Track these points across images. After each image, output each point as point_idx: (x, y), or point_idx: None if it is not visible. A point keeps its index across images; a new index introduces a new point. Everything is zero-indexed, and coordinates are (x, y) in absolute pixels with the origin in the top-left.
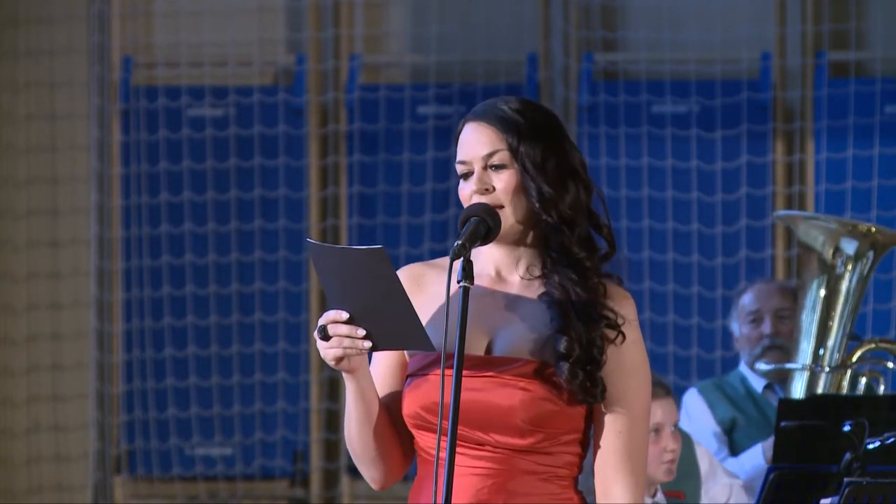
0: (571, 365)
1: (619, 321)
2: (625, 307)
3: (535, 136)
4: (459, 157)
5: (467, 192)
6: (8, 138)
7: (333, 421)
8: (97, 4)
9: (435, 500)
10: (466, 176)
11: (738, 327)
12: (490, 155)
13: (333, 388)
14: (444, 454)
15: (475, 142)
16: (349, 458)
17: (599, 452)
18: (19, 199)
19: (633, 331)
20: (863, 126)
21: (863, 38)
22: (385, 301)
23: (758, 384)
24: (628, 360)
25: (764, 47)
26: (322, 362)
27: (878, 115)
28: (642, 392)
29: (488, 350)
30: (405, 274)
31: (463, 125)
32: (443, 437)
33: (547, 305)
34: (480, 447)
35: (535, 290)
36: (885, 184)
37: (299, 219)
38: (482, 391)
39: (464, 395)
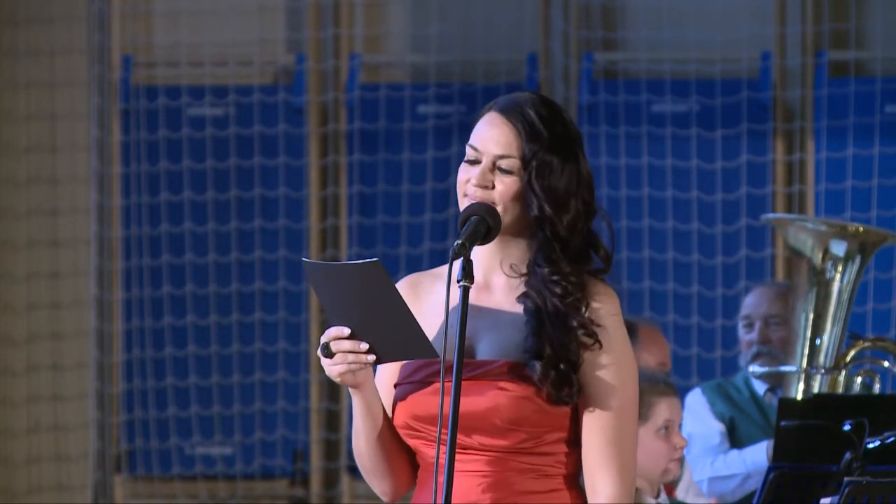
0: (544, 364)
1: (596, 328)
2: (605, 303)
3: (552, 151)
4: (473, 142)
5: (463, 178)
6: (8, 138)
7: (333, 421)
8: (97, 4)
9: (435, 500)
10: (471, 162)
11: (740, 329)
12: (500, 157)
13: (333, 387)
14: (442, 460)
15: (492, 137)
16: (349, 458)
17: (584, 449)
18: (19, 199)
19: (613, 326)
20: (863, 126)
21: (863, 38)
22: (385, 313)
23: (760, 386)
24: (607, 357)
25: (764, 47)
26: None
27: (878, 115)
28: (627, 386)
29: (470, 355)
30: (402, 285)
31: (488, 110)
32: (441, 444)
33: (524, 307)
34: (465, 451)
35: (516, 291)
36: (885, 183)
37: (299, 218)
38: (463, 395)
39: (445, 400)
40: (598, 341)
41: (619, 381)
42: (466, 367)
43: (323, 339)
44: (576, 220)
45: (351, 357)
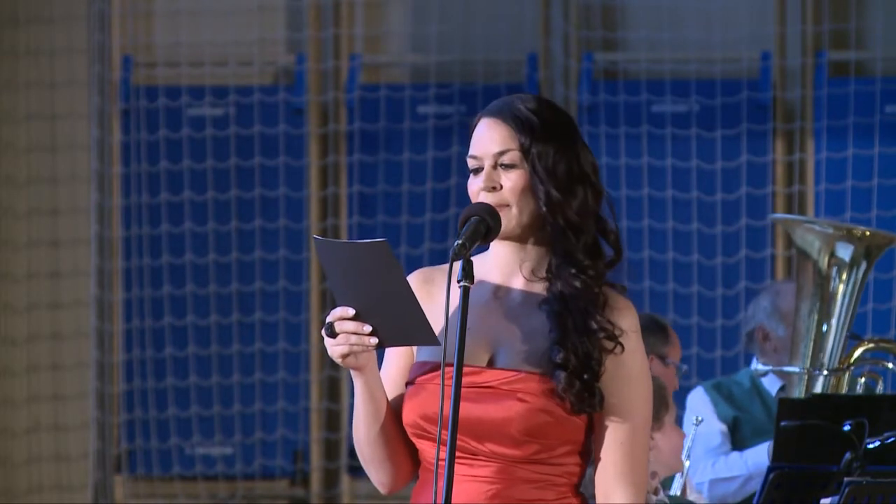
0: (568, 375)
1: (617, 332)
2: (626, 318)
3: (548, 138)
4: (471, 152)
5: (475, 188)
6: (8, 138)
7: (333, 421)
8: (97, 4)
9: (435, 501)
10: (476, 171)
11: (784, 329)
12: (501, 153)
13: (333, 387)
14: (441, 463)
15: (487, 139)
16: (349, 458)
17: (600, 463)
18: (19, 199)
19: (632, 341)
20: (863, 126)
21: (863, 38)
22: (389, 295)
23: (772, 386)
24: (627, 370)
25: (764, 47)
26: (322, 362)
27: (878, 115)
28: (643, 401)
29: (490, 363)
30: (414, 278)
31: (478, 120)
32: (442, 447)
33: (546, 315)
34: (474, 457)
35: (537, 297)
36: (885, 183)
37: (299, 218)
38: (480, 403)
39: (462, 406)
40: (619, 344)
41: (639, 397)
42: (485, 374)
43: (328, 319)
44: (584, 203)
45: (354, 338)
